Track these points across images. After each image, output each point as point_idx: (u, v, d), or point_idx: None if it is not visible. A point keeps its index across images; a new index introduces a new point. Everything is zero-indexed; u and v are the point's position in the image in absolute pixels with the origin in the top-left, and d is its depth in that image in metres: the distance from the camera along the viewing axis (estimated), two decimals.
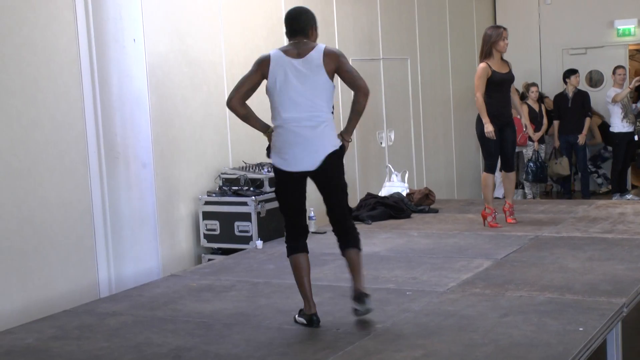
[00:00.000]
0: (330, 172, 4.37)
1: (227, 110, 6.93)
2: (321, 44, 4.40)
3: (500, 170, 7.09)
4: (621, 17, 11.74)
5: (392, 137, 9.56)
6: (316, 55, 4.34)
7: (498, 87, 6.77)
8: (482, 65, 6.78)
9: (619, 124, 10.85)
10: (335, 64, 4.36)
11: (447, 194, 10.48)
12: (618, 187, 11.04)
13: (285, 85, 4.31)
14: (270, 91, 4.37)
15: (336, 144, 4.35)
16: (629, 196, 10.90)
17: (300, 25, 4.40)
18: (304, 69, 4.31)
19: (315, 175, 4.37)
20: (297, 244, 4.43)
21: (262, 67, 4.35)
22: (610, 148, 11.59)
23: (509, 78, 6.87)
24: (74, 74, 5.71)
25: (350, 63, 9.04)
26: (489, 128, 6.70)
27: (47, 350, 4.17)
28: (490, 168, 6.95)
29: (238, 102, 4.36)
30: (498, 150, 6.87)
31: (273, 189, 6.66)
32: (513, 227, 6.77)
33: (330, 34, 8.46)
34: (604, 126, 11.69)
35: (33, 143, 5.46)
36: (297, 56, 4.33)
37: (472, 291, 4.80)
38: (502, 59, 6.87)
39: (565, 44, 12.15)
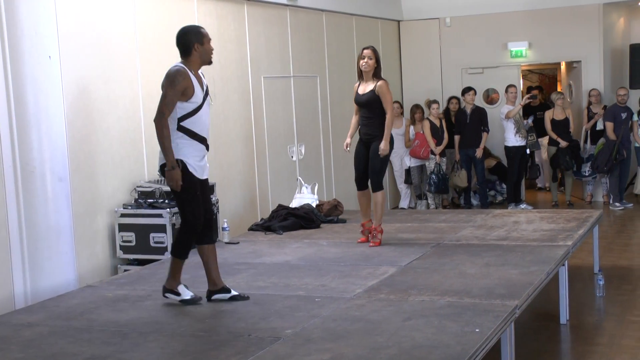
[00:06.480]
0: None
1: (143, 125, 7.00)
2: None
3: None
4: (514, 39, 12.24)
5: (303, 151, 9.70)
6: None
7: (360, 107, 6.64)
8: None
9: (513, 139, 11.29)
10: None
11: (354, 205, 10.27)
12: (513, 198, 11.44)
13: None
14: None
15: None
16: (523, 206, 11.28)
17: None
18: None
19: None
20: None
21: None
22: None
23: (365, 100, 6.55)
24: None
25: (262, 80, 9.21)
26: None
27: None
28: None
29: None
30: (360, 166, 6.73)
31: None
32: (416, 235, 6.93)
33: (242, 53, 8.56)
34: (499, 167, 12.19)
35: None
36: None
37: (378, 297, 4.95)
38: (372, 78, 6.55)
39: (464, 64, 12.55)
